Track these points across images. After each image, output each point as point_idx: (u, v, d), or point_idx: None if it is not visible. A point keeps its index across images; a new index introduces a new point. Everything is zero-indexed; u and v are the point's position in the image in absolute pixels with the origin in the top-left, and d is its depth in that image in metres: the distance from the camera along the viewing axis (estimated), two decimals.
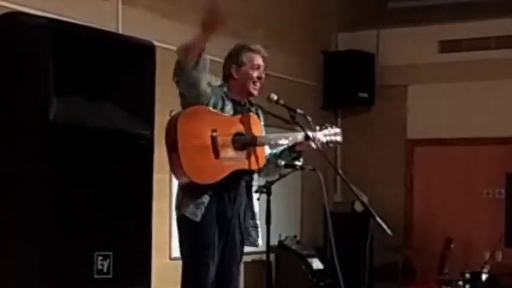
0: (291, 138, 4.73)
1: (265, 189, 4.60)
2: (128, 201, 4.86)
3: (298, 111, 4.74)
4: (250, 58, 4.73)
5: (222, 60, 4.81)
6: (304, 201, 9.21)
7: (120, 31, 6.42)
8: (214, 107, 4.58)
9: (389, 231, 4.36)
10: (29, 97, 4.55)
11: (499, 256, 8.27)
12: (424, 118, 9.51)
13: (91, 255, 4.67)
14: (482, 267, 7.57)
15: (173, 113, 4.54)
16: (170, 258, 7.01)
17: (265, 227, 4.58)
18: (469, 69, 9.21)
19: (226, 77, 4.75)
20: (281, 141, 4.74)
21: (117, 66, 4.88)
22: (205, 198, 4.50)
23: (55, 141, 4.49)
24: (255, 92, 4.74)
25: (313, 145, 4.69)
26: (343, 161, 9.62)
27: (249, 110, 4.74)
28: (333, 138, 4.86)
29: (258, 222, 4.73)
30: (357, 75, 9.57)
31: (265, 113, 4.85)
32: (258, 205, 4.73)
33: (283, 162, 4.74)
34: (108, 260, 4.74)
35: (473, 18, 9.18)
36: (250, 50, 4.75)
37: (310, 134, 4.70)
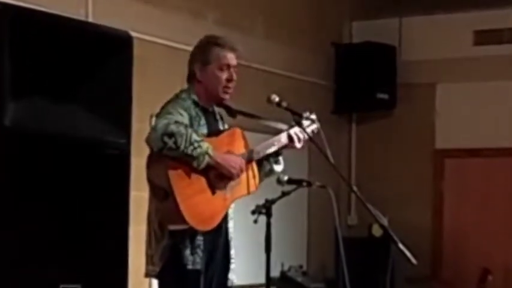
0: (276, 144, 4.75)
1: (265, 209, 4.59)
2: (100, 223, 4.87)
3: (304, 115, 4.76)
4: (218, 55, 4.63)
5: None
6: (312, 224, 9.22)
7: (91, 19, 6.44)
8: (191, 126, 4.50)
9: (413, 260, 4.38)
10: None
11: None
12: (455, 124, 9.52)
13: None
14: None
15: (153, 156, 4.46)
16: None
17: (264, 255, 4.59)
18: (510, 65, 9.23)
19: (190, 78, 4.69)
20: (269, 151, 4.75)
21: (87, 61, 4.89)
22: (200, 241, 4.50)
23: (11, 151, 4.50)
24: (227, 97, 4.66)
25: (299, 145, 4.77)
26: (358, 175, 9.64)
27: (216, 119, 4.71)
28: (312, 127, 4.87)
29: (232, 252, 4.73)
30: (375, 72, 9.58)
31: (232, 114, 4.78)
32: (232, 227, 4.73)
33: (285, 177, 4.76)
34: None
35: None
36: (217, 45, 4.65)
37: (292, 132, 4.75)
